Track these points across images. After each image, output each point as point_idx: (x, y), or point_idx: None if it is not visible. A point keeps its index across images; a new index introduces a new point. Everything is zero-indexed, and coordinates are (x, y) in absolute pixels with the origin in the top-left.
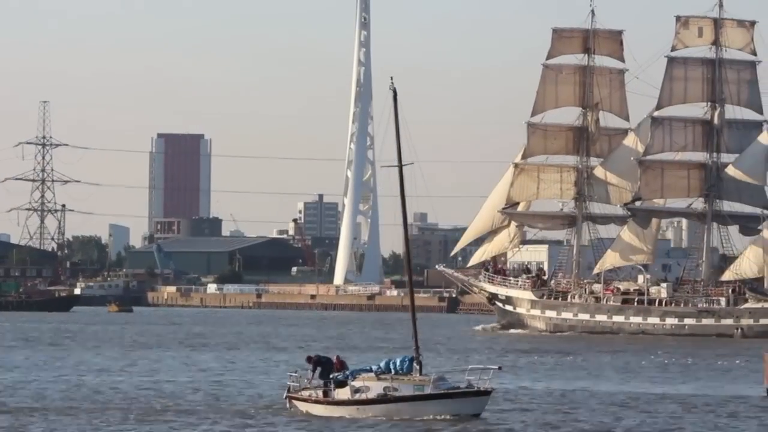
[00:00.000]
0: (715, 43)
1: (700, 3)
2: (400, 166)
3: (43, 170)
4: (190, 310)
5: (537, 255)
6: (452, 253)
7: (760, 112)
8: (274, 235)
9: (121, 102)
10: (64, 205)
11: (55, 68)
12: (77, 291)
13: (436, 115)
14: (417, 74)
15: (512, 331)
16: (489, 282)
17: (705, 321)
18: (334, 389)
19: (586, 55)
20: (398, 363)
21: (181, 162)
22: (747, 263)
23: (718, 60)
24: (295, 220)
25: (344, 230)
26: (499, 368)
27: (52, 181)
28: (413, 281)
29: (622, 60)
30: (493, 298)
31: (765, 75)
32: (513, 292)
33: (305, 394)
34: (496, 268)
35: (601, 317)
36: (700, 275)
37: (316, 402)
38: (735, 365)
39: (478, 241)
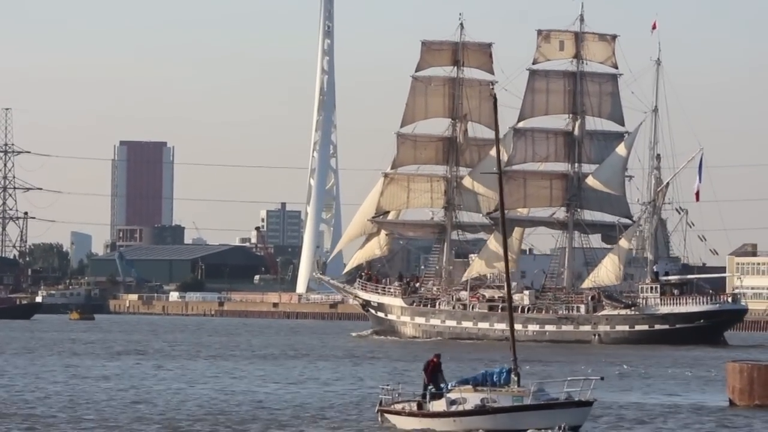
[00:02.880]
0: (577, 56)
1: (569, 17)
2: (500, 173)
3: (5, 177)
4: (159, 318)
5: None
6: (328, 261)
7: (622, 123)
8: (237, 243)
9: (84, 109)
10: (26, 213)
11: (16, 75)
12: (39, 299)
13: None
14: (381, 82)
15: (379, 337)
16: (362, 289)
17: (564, 328)
18: (429, 401)
19: (456, 67)
20: (495, 374)
21: (143, 170)
22: (605, 272)
23: (579, 73)
24: (257, 228)
25: (307, 238)
26: (602, 378)
27: (14, 188)
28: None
29: (492, 72)
30: (366, 304)
31: (626, 88)
32: (384, 299)
33: (398, 407)
34: (369, 275)
35: (467, 324)
36: (563, 283)
37: (410, 415)
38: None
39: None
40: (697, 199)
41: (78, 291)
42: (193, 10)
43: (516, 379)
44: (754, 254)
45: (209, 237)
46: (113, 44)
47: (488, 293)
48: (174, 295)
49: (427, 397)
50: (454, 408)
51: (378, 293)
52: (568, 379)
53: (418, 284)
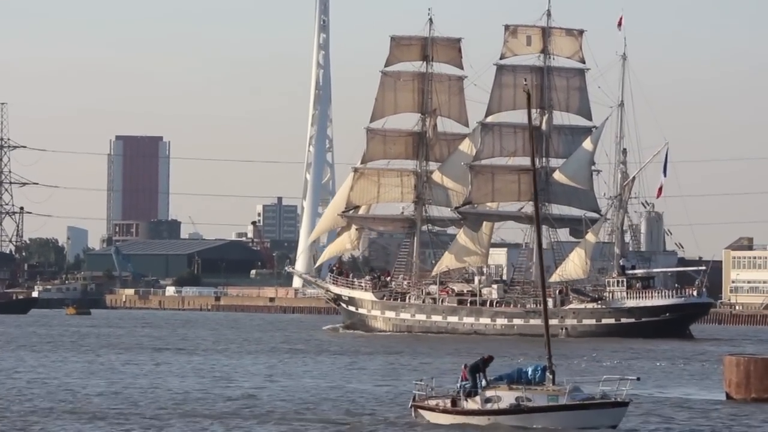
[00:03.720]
0: (544, 51)
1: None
2: (534, 170)
3: (0, 172)
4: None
5: (496, 258)
6: (298, 255)
7: (589, 118)
8: (233, 237)
9: (80, 104)
10: (22, 208)
11: (12, 70)
12: (35, 294)
13: None
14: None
15: (349, 331)
16: (334, 283)
17: (532, 321)
18: (464, 398)
19: (425, 62)
20: (530, 372)
21: (139, 164)
22: (572, 266)
23: (546, 68)
24: (254, 223)
25: (303, 233)
26: (638, 379)
27: (10, 183)
28: None
29: (461, 67)
30: (338, 298)
31: (593, 82)
32: (355, 293)
33: (432, 403)
34: (340, 269)
35: (436, 318)
36: (531, 277)
37: (444, 411)
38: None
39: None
40: (659, 194)
41: (74, 286)
42: (190, 4)
43: (551, 377)
44: (750, 248)
45: (205, 232)
46: (109, 38)
47: (457, 287)
48: (170, 290)
49: (462, 393)
50: (488, 406)
51: (349, 287)
52: (603, 378)
53: (388, 278)
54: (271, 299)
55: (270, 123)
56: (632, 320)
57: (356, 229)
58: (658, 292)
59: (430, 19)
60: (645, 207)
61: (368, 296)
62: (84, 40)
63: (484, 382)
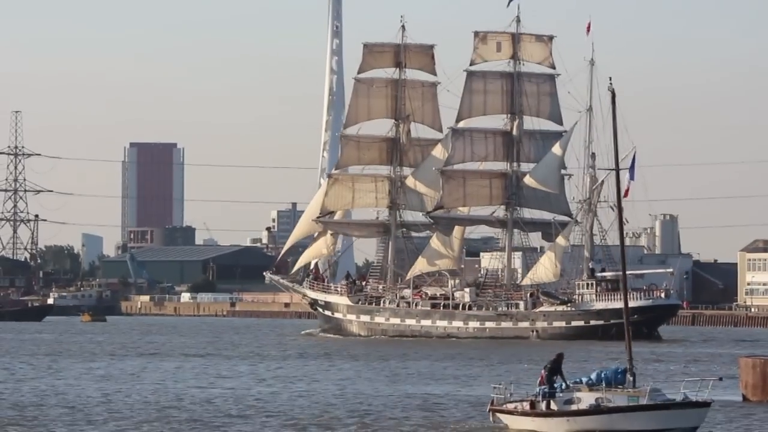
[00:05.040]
0: (514, 57)
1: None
2: (617, 170)
3: (15, 180)
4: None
5: (514, 262)
6: (277, 261)
7: (560, 123)
8: (248, 243)
9: (94, 111)
10: (37, 215)
11: (27, 78)
12: (50, 301)
13: None
14: None
15: (325, 335)
16: (310, 288)
17: (504, 324)
18: (543, 401)
19: (398, 69)
20: (610, 374)
21: (154, 171)
22: (542, 269)
23: (516, 73)
24: (268, 229)
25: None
26: (720, 379)
27: (25, 191)
28: None
29: (434, 73)
30: (314, 303)
31: (563, 87)
32: (331, 298)
33: (510, 406)
34: (316, 274)
35: (410, 321)
36: (503, 280)
37: (523, 414)
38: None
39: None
40: (626, 196)
41: (89, 293)
42: (203, 11)
43: (632, 379)
44: (765, 250)
45: (220, 238)
46: (123, 46)
47: (430, 291)
48: (185, 296)
49: (541, 396)
50: (567, 408)
51: (324, 292)
52: (685, 380)
53: (364, 283)
54: (286, 305)
55: (284, 129)
56: (601, 322)
57: (331, 235)
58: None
59: (403, 26)
60: (614, 210)
61: (344, 300)
62: (98, 48)
63: (563, 385)
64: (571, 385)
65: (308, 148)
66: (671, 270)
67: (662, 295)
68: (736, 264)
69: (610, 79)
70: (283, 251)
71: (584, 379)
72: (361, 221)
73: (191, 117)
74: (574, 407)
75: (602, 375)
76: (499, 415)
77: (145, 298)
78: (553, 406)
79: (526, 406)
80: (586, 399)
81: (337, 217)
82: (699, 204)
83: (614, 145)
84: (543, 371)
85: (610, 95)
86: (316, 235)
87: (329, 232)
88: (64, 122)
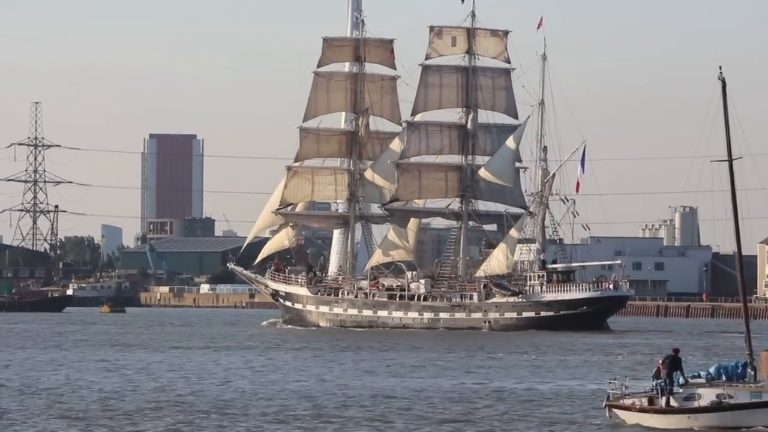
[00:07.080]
0: (469, 51)
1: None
2: (730, 161)
3: (35, 171)
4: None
5: (527, 253)
6: (239, 253)
7: (515, 116)
8: (267, 235)
9: (113, 102)
10: (56, 206)
11: (46, 69)
12: (70, 292)
13: None
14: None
15: (287, 326)
16: (272, 279)
17: (457, 315)
18: (662, 397)
19: (357, 63)
20: (731, 368)
21: (173, 162)
22: (495, 261)
23: (471, 68)
24: None
25: (337, 230)
26: None
27: (45, 182)
28: None
29: (394, 67)
30: (276, 294)
31: (517, 81)
32: (291, 289)
33: (628, 402)
34: (278, 266)
35: (367, 312)
36: (458, 272)
37: (642, 410)
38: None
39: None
40: (578, 190)
41: (109, 284)
42: (223, 3)
43: (753, 373)
44: None
45: (239, 229)
46: (143, 37)
47: (387, 282)
48: (205, 288)
49: (659, 392)
50: (688, 404)
51: (285, 283)
52: None
53: (323, 274)
54: None
55: (301, 121)
56: (551, 313)
57: (291, 227)
58: (577, 286)
59: (362, 21)
60: (565, 203)
61: (303, 291)
62: (118, 40)
63: (681, 380)
64: (689, 379)
65: None
66: (620, 262)
67: (611, 286)
68: (756, 256)
69: (720, 68)
70: (245, 244)
71: (703, 373)
72: (319, 213)
73: (211, 108)
74: (695, 404)
75: (722, 369)
76: (616, 411)
77: (165, 289)
78: (673, 403)
79: (645, 401)
80: (707, 395)
81: (298, 209)
82: (718, 196)
83: (726, 137)
84: (659, 364)
85: (720, 84)
86: (277, 227)
87: (290, 223)
88: (84, 113)
